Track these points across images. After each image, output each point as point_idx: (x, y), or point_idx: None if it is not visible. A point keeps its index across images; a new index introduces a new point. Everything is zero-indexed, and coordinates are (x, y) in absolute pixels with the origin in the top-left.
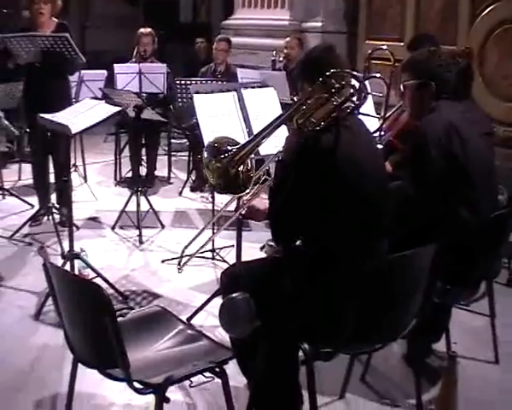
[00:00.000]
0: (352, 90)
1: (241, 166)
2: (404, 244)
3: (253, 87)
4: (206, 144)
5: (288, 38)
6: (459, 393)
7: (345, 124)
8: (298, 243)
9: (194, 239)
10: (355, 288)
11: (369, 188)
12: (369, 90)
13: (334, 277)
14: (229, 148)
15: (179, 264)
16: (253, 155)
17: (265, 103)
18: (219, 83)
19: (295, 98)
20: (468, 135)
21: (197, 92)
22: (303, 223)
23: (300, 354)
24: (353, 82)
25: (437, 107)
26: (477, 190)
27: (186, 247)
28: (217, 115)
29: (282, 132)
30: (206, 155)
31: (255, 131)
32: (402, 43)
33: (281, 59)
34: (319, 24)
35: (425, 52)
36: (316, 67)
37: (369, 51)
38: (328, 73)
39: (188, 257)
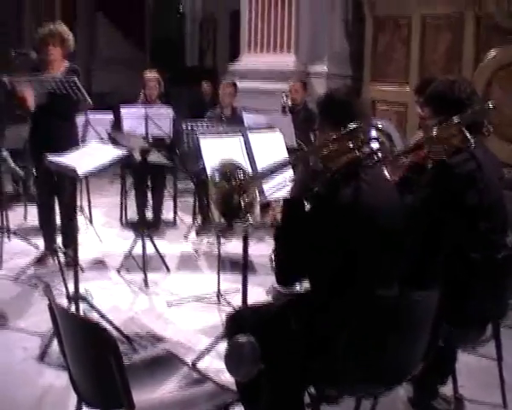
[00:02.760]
0: (377, 146)
1: (246, 196)
2: (411, 283)
3: (259, 130)
4: (216, 165)
5: (291, 82)
6: None
7: (365, 175)
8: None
9: None
10: (361, 332)
11: (385, 243)
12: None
13: (340, 321)
14: (240, 175)
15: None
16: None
17: (272, 147)
18: (225, 126)
19: (313, 135)
20: (488, 178)
21: (203, 135)
22: (310, 268)
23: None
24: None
25: (465, 149)
26: (489, 234)
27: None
28: (218, 161)
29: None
30: (216, 176)
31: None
32: (407, 86)
33: (289, 103)
34: (324, 67)
35: (446, 83)
36: (340, 112)
37: None
38: (356, 126)
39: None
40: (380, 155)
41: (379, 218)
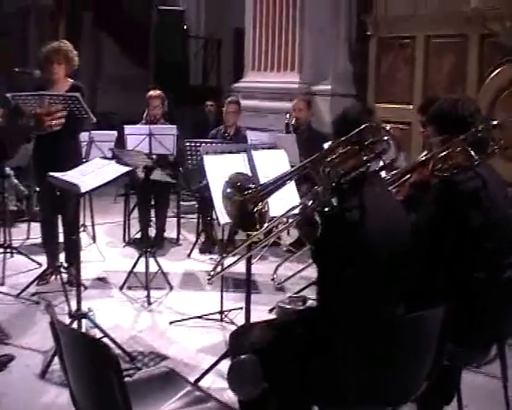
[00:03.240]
0: (385, 147)
1: (259, 205)
2: (417, 303)
3: (263, 149)
4: (227, 180)
5: (295, 101)
6: None
7: (371, 187)
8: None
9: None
10: (365, 350)
11: (390, 261)
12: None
13: (344, 339)
14: (252, 186)
15: (210, 275)
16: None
17: (275, 165)
18: (229, 144)
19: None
20: (493, 196)
21: (207, 153)
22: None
23: None
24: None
25: (469, 167)
26: (494, 253)
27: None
28: (227, 176)
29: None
30: (229, 190)
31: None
32: (411, 106)
33: (293, 122)
34: (328, 87)
35: (449, 101)
36: (353, 130)
37: None
38: (362, 127)
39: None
40: (385, 160)
41: (383, 237)
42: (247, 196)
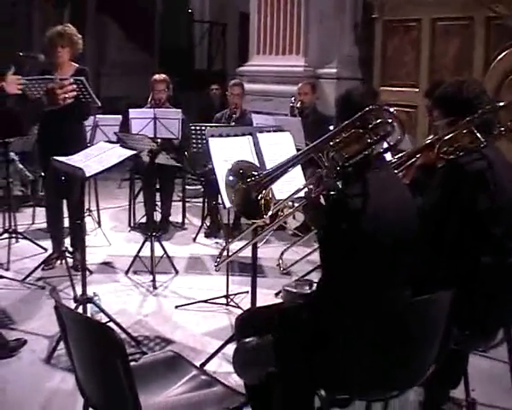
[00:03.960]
0: (388, 129)
1: (264, 192)
2: (423, 288)
3: (269, 131)
4: (229, 168)
5: (300, 85)
6: None
7: (376, 171)
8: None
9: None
10: (371, 334)
11: (395, 245)
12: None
13: (350, 323)
14: (255, 173)
15: (216, 262)
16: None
17: (281, 148)
18: (234, 127)
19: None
20: (499, 177)
21: (212, 136)
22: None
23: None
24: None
25: (476, 149)
26: (501, 238)
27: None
28: (232, 159)
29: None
30: (231, 178)
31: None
32: (417, 90)
33: (298, 105)
34: (334, 70)
35: (455, 84)
36: (355, 112)
37: None
38: (365, 110)
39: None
40: (390, 142)
41: (388, 222)
42: (251, 183)
